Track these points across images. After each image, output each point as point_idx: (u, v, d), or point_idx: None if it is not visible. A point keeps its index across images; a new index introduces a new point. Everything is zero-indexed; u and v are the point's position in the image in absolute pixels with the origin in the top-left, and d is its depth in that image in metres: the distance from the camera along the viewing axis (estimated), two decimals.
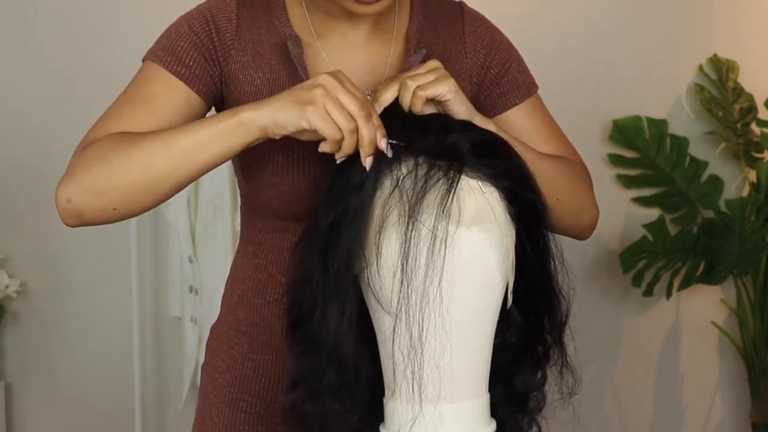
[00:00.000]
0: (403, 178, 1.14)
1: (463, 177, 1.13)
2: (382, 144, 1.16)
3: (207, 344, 1.51)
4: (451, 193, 1.11)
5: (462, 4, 1.49)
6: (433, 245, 1.11)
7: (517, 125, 1.44)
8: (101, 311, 3.03)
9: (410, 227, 1.11)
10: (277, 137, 1.20)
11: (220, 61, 1.34)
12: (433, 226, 1.11)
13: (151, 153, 1.21)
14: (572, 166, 1.48)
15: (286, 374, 1.35)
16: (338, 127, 1.15)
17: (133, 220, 2.90)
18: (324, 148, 1.18)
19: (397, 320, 1.12)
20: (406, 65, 1.37)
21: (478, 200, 1.13)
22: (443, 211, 1.11)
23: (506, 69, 1.45)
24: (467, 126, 1.21)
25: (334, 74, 1.18)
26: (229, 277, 1.51)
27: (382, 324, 1.15)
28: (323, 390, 1.20)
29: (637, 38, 3.11)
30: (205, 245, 2.85)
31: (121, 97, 1.32)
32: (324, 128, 1.15)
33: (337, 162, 1.18)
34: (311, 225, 1.20)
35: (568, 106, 3.07)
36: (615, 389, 3.22)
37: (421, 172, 1.13)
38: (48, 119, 2.97)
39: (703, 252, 2.99)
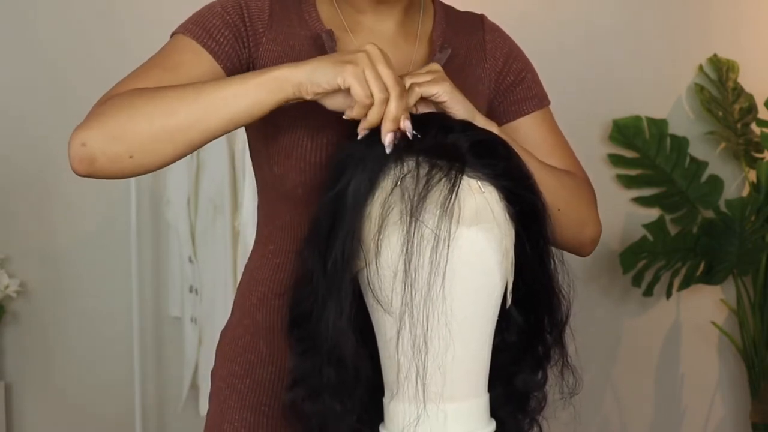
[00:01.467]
0: (404, 177, 1.14)
1: (463, 177, 1.13)
2: (406, 125, 1.17)
3: (218, 349, 1.50)
4: (453, 193, 1.11)
5: (483, 17, 1.53)
6: (436, 245, 1.11)
7: (525, 134, 1.47)
8: (101, 311, 3.03)
9: (413, 227, 1.11)
10: (309, 97, 1.19)
11: (251, 45, 1.35)
12: (435, 226, 1.11)
13: (179, 100, 1.19)
14: (576, 180, 1.51)
15: None
16: (371, 92, 1.16)
17: (133, 219, 2.90)
18: (350, 114, 1.18)
19: (401, 320, 1.12)
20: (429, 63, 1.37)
21: (478, 200, 1.13)
22: (445, 211, 1.11)
23: (521, 78, 1.49)
24: (467, 126, 1.21)
25: (378, 47, 1.19)
26: (243, 280, 1.49)
27: (382, 324, 1.15)
28: (322, 389, 1.20)
29: (637, 38, 3.12)
30: (205, 245, 2.85)
31: (148, 62, 1.30)
32: (357, 89, 1.16)
33: (359, 137, 1.18)
34: (311, 224, 1.21)
35: (568, 106, 3.07)
36: (615, 389, 3.22)
37: (423, 171, 1.13)
38: (48, 120, 2.97)
39: (703, 252, 2.99)
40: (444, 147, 1.15)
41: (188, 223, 2.87)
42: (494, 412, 1.19)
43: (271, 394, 1.41)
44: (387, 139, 1.16)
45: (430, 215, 1.11)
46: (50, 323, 3.05)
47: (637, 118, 3.08)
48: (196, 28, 1.33)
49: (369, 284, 1.15)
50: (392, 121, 1.16)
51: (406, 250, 1.11)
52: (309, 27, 1.39)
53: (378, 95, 1.16)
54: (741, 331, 3.07)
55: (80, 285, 3.03)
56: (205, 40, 1.32)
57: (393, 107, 1.16)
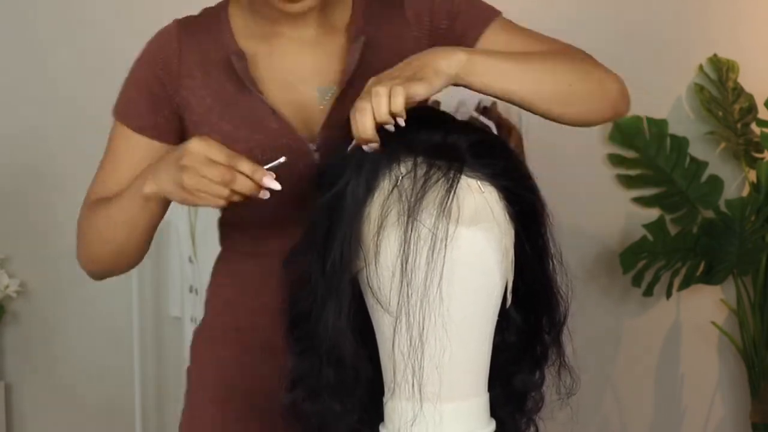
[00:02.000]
0: (402, 177, 1.14)
1: (462, 177, 1.13)
2: (267, 182, 1.22)
3: (192, 347, 1.52)
4: (451, 193, 1.11)
5: None
6: (433, 245, 1.11)
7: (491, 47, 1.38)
8: (101, 311, 3.03)
9: (410, 227, 1.11)
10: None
11: (171, 95, 1.40)
12: (433, 226, 1.11)
13: (106, 227, 1.38)
14: (571, 51, 1.43)
15: (274, 373, 1.34)
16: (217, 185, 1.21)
17: None
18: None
19: (397, 320, 1.12)
20: (348, 58, 1.37)
21: (477, 200, 1.13)
22: (443, 211, 1.11)
23: (455, 13, 1.41)
24: (466, 126, 1.21)
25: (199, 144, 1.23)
26: (211, 281, 1.53)
27: (382, 323, 1.15)
28: (322, 389, 1.20)
29: (637, 38, 3.11)
30: (205, 245, 2.85)
31: (104, 157, 1.45)
32: (211, 201, 1.23)
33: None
34: (310, 224, 1.21)
35: None
36: (615, 389, 3.22)
37: (421, 171, 1.13)
38: (48, 120, 2.97)
39: (703, 252, 2.99)
40: (443, 147, 1.15)
41: (188, 223, 2.87)
42: (493, 412, 1.19)
43: (239, 391, 1.42)
44: (266, 183, 1.22)
45: (428, 215, 1.11)
46: (50, 323, 3.04)
47: (637, 118, 3.08)
48: (123, 109, 1.42)
49: (368, 284, 1.15)
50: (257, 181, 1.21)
51: (404, 250, 1.11)
52: (222, 48, 1.39)
53: (218, 187, 1.20)
54: (741, 331, 3.07)
55: (80, 285, 3.01)
56: (129, 121, 1.41)
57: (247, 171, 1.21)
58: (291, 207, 1.32)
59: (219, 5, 1.45)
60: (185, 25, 1.42)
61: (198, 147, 1.21)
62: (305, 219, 1.24)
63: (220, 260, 1.53)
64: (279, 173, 1.26)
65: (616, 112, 1.45)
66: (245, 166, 1.21)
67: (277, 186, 1.21)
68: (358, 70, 1.35)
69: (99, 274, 1.46)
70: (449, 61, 1.20)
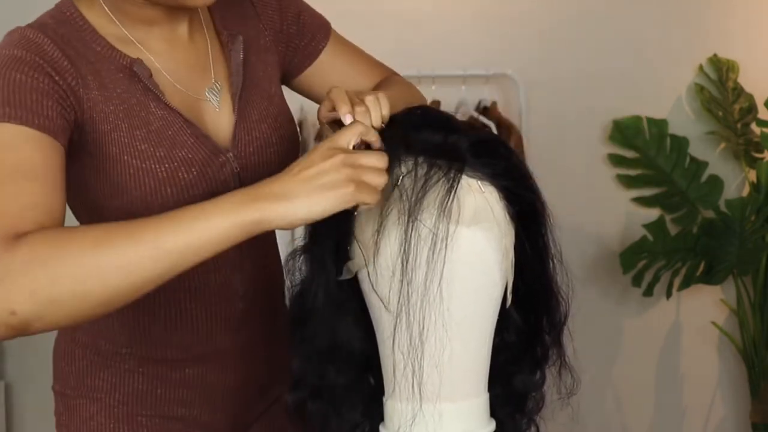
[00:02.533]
0: (403, 177, 1.14)
1: (463, 176, 1.13)
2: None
3: (61, 365, 1.40)
4: (452, 193, 1.11)
5: None
6: (434, 245, 1.11)
7: (333, 65, 1.47)
8: None
9: (410, 227, 1.11)
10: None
11: (74, 105, 1.20)
12: (434, 226, 1.11)
13: (135, 255, 1.03)
14: (397, 80, 1.52)
15: (181, 382, 1.36)
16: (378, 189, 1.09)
17: None
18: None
19: (397, 319, 1.12)
20: (232, 59, 1.34)
21: (477, 200, 1.13)
22: (443, 211, 1.11)
23: (301, 20, 1.45)
24: (467, 126, 1.21)
25: (329, 143, 1.09)
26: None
27: (382, 323, 1.15)
28: (324, 389, 1.20)
29: (637, 38, 3.12)
30: None
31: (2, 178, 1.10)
32: (373, 199, 1.09)
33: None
34: (308, 226, 1.21)
35: (568, 106, 3.08)
36: (615, 389, 3.22)
37: (421, 171, 1.13)
38: None
39: (703, 252, 2.99)
40: (443, 147, 1.15)
41: None
42: (493, 412, 1.19)
43: (146, 404, 1.37)
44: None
45: (429, 215, 1.11)
46: None
47: (637, 118, 3.08)
48: (16, 110, 1.14)
49: (368, 283, 1.15)
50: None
51: (404, 249, 1.11)
52: (107, 58, 1.25)
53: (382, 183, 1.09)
54: (741, 331, 3.07)
55: None
56: (34, 121, 1.13)
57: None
58: None
59: (64, 10, 1.27)
60: (49, 33, 1.22)
61: (339, 139, 1.08)
62: None
63: None
64: (197, 187, 1.24)
65: None
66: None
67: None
68: (244, 68, 1.35)
69: (37, 325, 1.03)
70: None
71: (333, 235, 1.16)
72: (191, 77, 1.31)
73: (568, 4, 3.08)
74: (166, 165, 1.24)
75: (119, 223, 1.06)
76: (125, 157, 1.23)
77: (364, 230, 1.14)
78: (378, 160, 1.09)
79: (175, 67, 1.31)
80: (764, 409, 3.00)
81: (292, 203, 1.05)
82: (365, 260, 1.14)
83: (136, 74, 1.25)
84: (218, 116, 1.32)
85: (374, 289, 1.14)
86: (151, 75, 1.26)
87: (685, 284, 3.04)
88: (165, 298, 1.33)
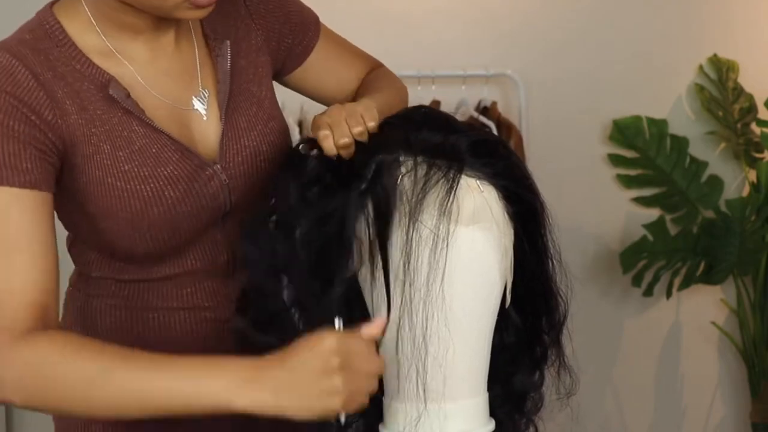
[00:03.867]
0: (403, 177, 1.14)
1: (462, 176, 1.13)
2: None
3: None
4: (452, 193, 1.11)
5: None
6: (435, 245, 1.11)
7: (323, 61, 1.46)
8: None
9: (411, 228, 1.11)
10: None
11: (53, 140, 1.18)
12: (434, 227, 1.11)
13: (123, 402, 1.09)
14: (383, 74, 1.51)
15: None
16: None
17: None
18: None
19: (400, 320, 1.12)
20: (219, 65, 1.31)
21: (477, 199, 1.13)
22: (443, 212, 1.11)
23: (292, 18, 1.43)
24: (467, 126, 1.22)
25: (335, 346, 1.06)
26: (79, 307, 1.35)
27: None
28: None
29: (637, 38, 3.11)
30: None
31: None
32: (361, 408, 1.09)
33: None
34: (312, 223, 1.21)
35: (568, 106, 3.08)
36: (615, 389, 3.22)
37: (421, 171, 1.13)
38: None
39: (703, 252, 2.99)
40: (443, 147, 1.15)
41: None
42: (492, 412, 1.19)
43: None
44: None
45: (429, 216, 1.11)
46: None
47: (637, 118, 3.08)
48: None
49: (369, 284, 1.15)
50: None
51: (406, 250, 1.11)
52: (84, 76, 1.22)
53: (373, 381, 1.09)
54: (741, 331, 3.07)
55: None
56: (16, 179, 1.14)
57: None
58: (196, 234, 1.27)
59: (42, 22, 1.24)
60: (22, 56, 1.19)
61: (347, 342, 1.06)
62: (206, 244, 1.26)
63: (87, 283, 1.34)
64: (185, 203, 1.23)
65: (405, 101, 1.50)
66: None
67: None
68: (233, 74, 1.32)
69: (6, 404, 1.18)
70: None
71: (333, 236, 1.16)
72: (177, 86, 1.29)
73: (568, 4, 3.08)
74: (152, 184, 1.22)
75: (115, 362, 1.10)
76: (109, 180, 1.21)
77: (365, 231, 1.14)
78: (375, 367, 1.09)
79: (160, 77, 1.28)
80: (764, 409, 3.00)
81: (285, 405, 1.05)
82: (366, 262, 1.14)
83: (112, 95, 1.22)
84: (205, 125, 1.30)
85: (376, 291, 1.14)
86: (128, 95, 1.22)
87: (685, 284, 3.04)
88: (157, 306, 1.32)
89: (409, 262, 1.11)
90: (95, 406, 1.10)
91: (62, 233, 1.26)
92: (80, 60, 1.23)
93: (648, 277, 3.03)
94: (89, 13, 1.24)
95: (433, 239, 1.11)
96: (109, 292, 1.31)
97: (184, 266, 1.29)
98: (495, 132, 2.76)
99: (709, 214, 3.05)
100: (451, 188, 1.11)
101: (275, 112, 1.38)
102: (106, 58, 1.24)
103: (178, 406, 1.08)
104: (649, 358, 3.22)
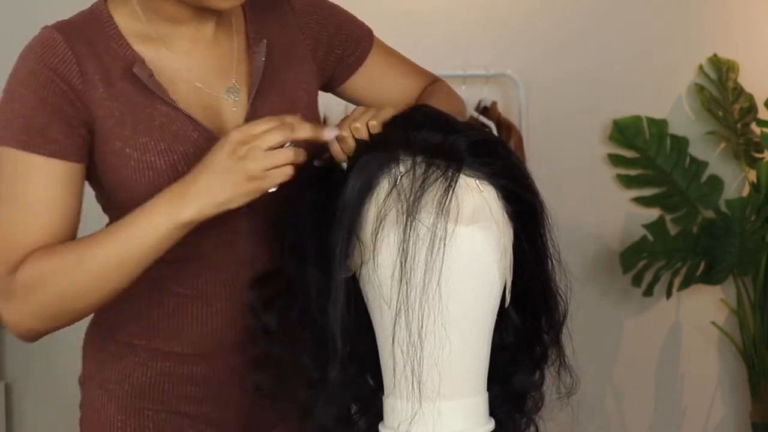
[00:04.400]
0: (402, 176, 1.14)
1: (461, 176, 1.13)
2: (329, 133, 1.22)
3: (86, 355, 1.46)
4: (450, 192, 1.11)
5: None
6: (432, 244, 1.11)
7: (375, 74, 1.49)
8: None
9: (409, 226, 1.11)
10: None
11: (81, 111, 1.27)
12: (432, 225, 1.11)
13: (92, 276, 1.23)
14: (440, 88, 1.56)
15: (188, 378, 1.36)
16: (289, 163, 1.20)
17: None
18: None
19: (397, 318, 1.12)
20: (253, 62, 1.36)
21: (476, 199, 1.13)
22: (442, 210, 1.11)
23: (343, 31, 1.47)
24: (466, 125, 1.22)
25: (236, 133, 1.20)
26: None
27: (381, 322, 1.16)
28: (327, 386, 1.21)
29: (637, 38, 3.12)
30: None
31: (4, 197, 1.27)
32: (283, 177, 1.20)
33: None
34: (313, 223, 1.21)
35: (568, 106, 3.08)
36: (615, 389, 3.22)
37: (419, 171, 1.13)
38: None
39: (703, 252, 2.99)
40: (442, 146, 1.15)
41: None
42: (492, 412, 1.19)
43: (153, 398, 1.38)
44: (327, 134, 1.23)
45: (427, 214, 1.11)
46: None
47: (637, 118, 3.08)
48: (27, 135, 1.25)
49: (368, 282, 1.15)
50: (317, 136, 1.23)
51: (403, 249, 1.11)
52: (119, 57, 1.30)
53: (291, 158, 1.20)
54: (741, 331, 3.07)
55: None
56: (44, 148, 1.25)
57: (305, 134, 1.22)
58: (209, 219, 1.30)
59: (94, 7, 1.35)
60: (67, 32, 1.30)
61: (243, 131, 1.20)
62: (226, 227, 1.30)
63: None
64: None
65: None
66: (300, 126, 1.21)
67: (335, 132, 1.22)
68: (264, 72, 1.35)
69: (47, 333, 1.33)
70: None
71: (332, 234, 1.16)
72: (211, 76, 1.34)
73: (568, 4, 3.09)
74: (166, 158, 1.28)
75: (87, 242, 1.24)
76: (127, 150, 1.28)
77: (363, 229, 1.15)
78: (274, 135, 1.19)
79: (196, 64, 1.34)
80: (764, 409, 3.00)
81: (199, 201, 1.21)
82: (364, 260, 1.14)
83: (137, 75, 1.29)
84: (234, 116, 1.34)
85: (373, 288, 1.14)
86: (151, 75, 1.29)
87: (685, 284, 3.04)
88: (172, 292, 1.35)
89: (406, 260, 1.11)
90: (87, 285, 1.24)
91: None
92: (118, 41, 1.31)
93: (648, 277, 3.03)
94: (136, 3, 1.32)
95: (431, 238, 1.11)
96: None
97: (200, 249, 1.32)
98: (495, 132, 2.76)
99: (709, 214, 3.05)
100: (449, 187, 1.12)
101: (307, 118, 1.39)
102: (144, 43, 1.32)
103: (146, 246, 1.22)
104: (649, 358, 3.22)
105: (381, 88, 1.50)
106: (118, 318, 1.38)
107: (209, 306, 1.35)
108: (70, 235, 1.28)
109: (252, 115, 1.33)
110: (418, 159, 1.14)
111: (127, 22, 1.32)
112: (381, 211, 1.13)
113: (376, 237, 1.13)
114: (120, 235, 1.23)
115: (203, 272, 1.34)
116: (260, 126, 1.20)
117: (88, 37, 1.30)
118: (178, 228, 1.22)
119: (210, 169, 1.20)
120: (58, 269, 1.23)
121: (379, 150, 1.17)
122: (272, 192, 1.22)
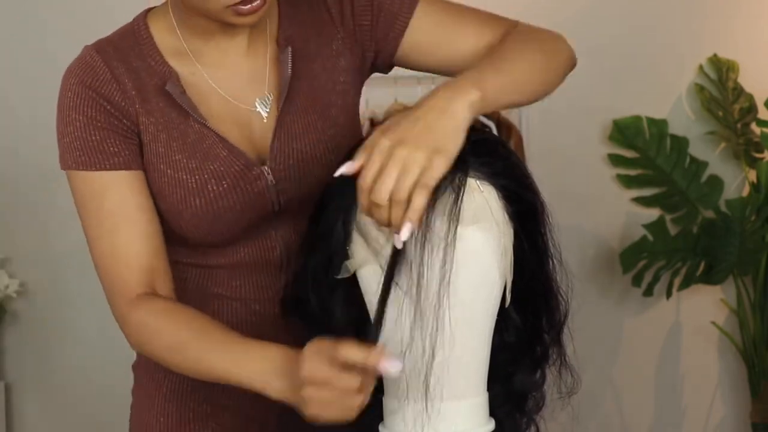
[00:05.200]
0: None
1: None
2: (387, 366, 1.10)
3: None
4: (459, 198, 1.11)
5: None
6: (437, 246, 1.11)
7: (424, 35, 1.37)
8: (101, 311, 3.02)
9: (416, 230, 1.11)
10: None
11: (128, 124, 1.32)
12: (438, 228, 1.11)
13: (192, 371, 1.26)
14: (514, 38, 1.41)
15: None
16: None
17: None
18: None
19: (397, 320, 1.12)
20: (280, 70, 1.34)
21: (476, 199, 1.13)
22: (444, 212, 1.11)
23: (376, 9, 1.38)
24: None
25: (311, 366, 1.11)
26: None
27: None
28: None
29: (638, 38, 3.12)
30: None
31: (90, 230, 1.33)
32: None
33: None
34: (314, 223, 1.21)
35: (568, 106, 3.08)
36: (615, 389, 3.22)
37: None
38: (50, 120, 2.97)
39: (703, 252, 2.99)
40: None
41: None
42: (492, 412, 1.19)
43: (197, 389, 1.40)
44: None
45: (431, 216, 1.11)
46: (50, 323, 3.05)
47: (637, 118, 3.08)
48: (86, 155, 1.31)
49: (371, 283, 1.15)
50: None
51: (406, 250, 1.11)
52: (155, 73, 1.33)
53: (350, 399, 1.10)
54: (741, 331, 3.07)
55: (80, 285, 3.02)
56: (106, 162, 1.30)
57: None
58: (242, 232, 1.33)
59: (135, 23, 1.38)
60: (104, 52, 1.34)
61: (312, 372, 1.10)
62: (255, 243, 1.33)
63: None
64: (228, 198, 1.30)
65: (573, 64, 1.52)
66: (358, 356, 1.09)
67: (398, 367, 1.09)
68: (291, 80, 1.34)
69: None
70: (465, 112, 1.12)
71: (337, 234, 1.16)
72: (244, 88, 1.35)
73: (568, 3, 3.09)
74: (197, 176, 1.31)
75: (191, 336, 1.25)
76: (162, 166, 1.31)
77: (369, 232, 1.15)
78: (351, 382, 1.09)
79: (229, 77, 1.35)
80: (764, 409, 3.00)
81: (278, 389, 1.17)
82: (368, 261, 1.14)
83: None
84: (265, 127, 1.35)
85: (375, 289, 1.14)
86: (183, 92, 1.31)
87: (685, 284, 3.04)
88: (213, 293, 1.39)
89: (412, 264, 1.11)
90: (175, 366, 1.28)
91: None
92: (155, 57, 1.33)
93: (648, 277, 3.04)
94: (173, 18, 1.34)
95: (436, 240, 1.11)
96: (174, 273, 1.37)
97: (235, 258, 1.36)
98: (495, 132, 2.76)
99: (709, 214, 3.05)
100: (458, 197, 1.12)
101: (343, 119, 1.38)
102: (180, 58, 1.34)
103: (232, 382, 1.21)
104: (649, 358, 3.23)
105: (436, 49, 1.37)
106: None
107: (246, 307, 1.38)
108: (159, 235, 1.32)
109: (279, 131, 1.33)
110: None
111: (164, 37, 1.35)
112: None
113: (380, 238, 1.13)
114: (220, 365, 1.22)
115: (238, 276, 1.38)
116: (325, 370, 1.10)
117: (126, 55, 1.33)
118: (260, 391, 1.19)
119: (283, 381, 1.16)
120: (163, 345, 1.28)
121: None
122: (303, 200, 1.26)
